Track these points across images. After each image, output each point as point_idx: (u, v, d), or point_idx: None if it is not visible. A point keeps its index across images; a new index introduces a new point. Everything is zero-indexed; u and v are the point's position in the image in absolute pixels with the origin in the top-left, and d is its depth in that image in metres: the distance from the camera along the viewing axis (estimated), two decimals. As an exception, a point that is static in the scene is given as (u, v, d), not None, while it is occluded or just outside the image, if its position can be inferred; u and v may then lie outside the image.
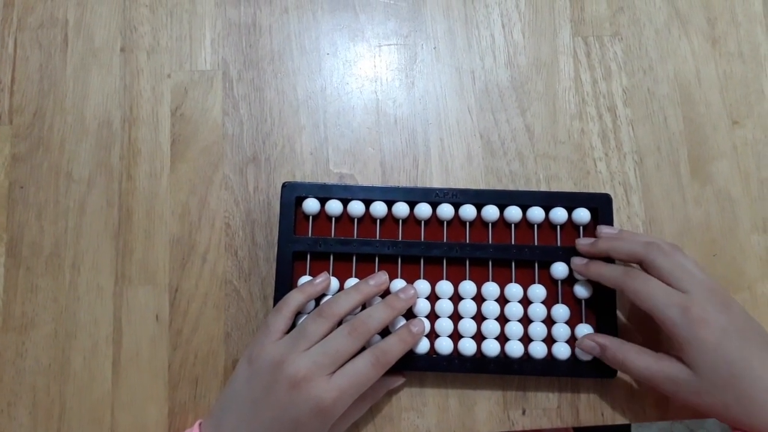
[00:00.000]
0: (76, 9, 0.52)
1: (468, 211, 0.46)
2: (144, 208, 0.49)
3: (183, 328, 0.47)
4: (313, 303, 0.45)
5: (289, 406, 0.37)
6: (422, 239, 0.46)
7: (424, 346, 0.44)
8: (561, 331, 0.45)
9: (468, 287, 0.45)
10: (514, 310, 0.45)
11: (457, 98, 0.51)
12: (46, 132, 0.50)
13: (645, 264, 0.41)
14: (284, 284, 0.45)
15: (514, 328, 0.45)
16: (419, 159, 0.50)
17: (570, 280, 0.46)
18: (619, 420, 0.45)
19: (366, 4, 0.53)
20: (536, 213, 0.46)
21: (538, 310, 0.45)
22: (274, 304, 0.43)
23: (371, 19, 0.53)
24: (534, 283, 0.46)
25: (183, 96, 0.51)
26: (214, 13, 0.52)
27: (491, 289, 0.45)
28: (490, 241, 0.46)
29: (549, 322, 0.45)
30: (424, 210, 0.46)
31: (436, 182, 0.49)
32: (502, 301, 0.46)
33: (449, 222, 0.47)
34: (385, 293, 0.44)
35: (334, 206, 0.46)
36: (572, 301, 0.46)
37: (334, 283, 0.45)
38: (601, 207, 0.46)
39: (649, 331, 0.45)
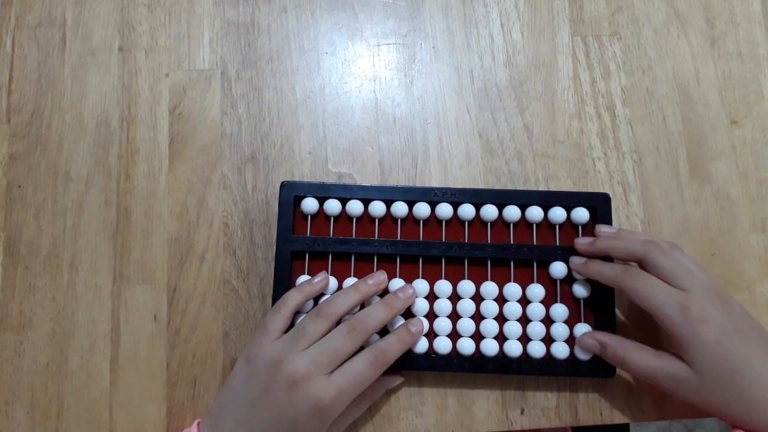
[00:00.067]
0: (74, 8, 0.52)
1: (467, 211, 0.46)
2: (142, 207, 0.48)
3: (181, 327, 0.47)
4: (311, 302, 0.44)
5: (287, 405, 0.37)
6: (421, 239, 0.46)
7: (422, 345, 0.44)
8: (560, 330, 0.45)
9: (467, 287, 0.45)
10: (513, 309, 0.45)
11: (456, 97, 0.51)
12: (44, 131, 0.50)
13: (644, 262, 0.41)
14: (283, 284, 0.45)
15: (513, 328, 0.45)
16: (418, 158, 0.50)
17: (569, 279, 0.46)
18: (618, 419, 0.45)
19: (365, 4, 0.53)
20: (535, 212, 0.46)
21: (536, 310, 0.45)
22: (273, 304, 0.43)
23: (370, 19, 0.52)
24: (533, 282, 0.46)
25: (181, 95, 0.50)
26: (212, 12, 0.52)
27: (490, 288, 0.45)
28: (489, 241, 0.46)
29: (548, 321, 0.45)
30: (422, 209, 0.46)
31: (435, 182, 0.49)
32: (501, 300, 0.46)
33: (448, 221, 0.47)
34: (384, 293, 0.44)
35: (332, 206, 0.46)
36: (571, 301, 0.46)
37: (333, 282, 0.45)
38: (600, 206, 0.46)
39: (648, 330, 0.45)
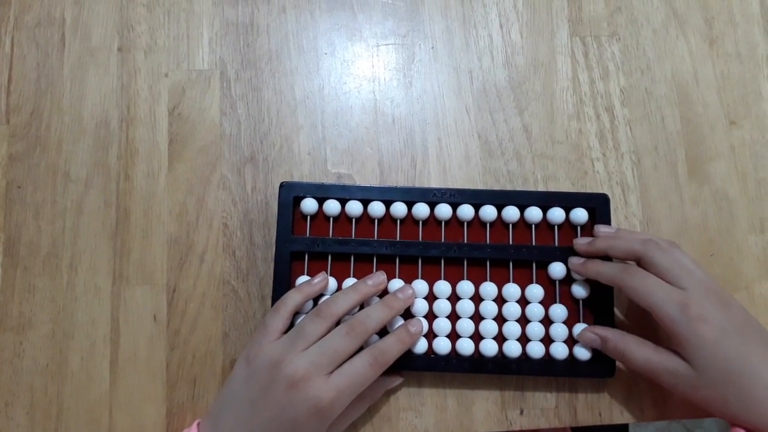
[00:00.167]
0: (73, 8, 0.52)
1: (466, 211, 0.46)
2: (141, 208, 0.48)
3: (181, 328, 0.47)
4: (311, 303, 0.45)
5: (287, 406, 0.37)
6: (420, 239, 0.46)
7: (422, 346, 0.44)
8: (559, 330, 0.45)
9: (466, 287, 0.45)
10: (512, 310, 0.45)
11: (455, 98, 0.51)
12: (44, 131, 0.50)
13: (643, 261, 0.41)
14: (282, 284, 0.45)
15: (512, 328, 0.45)
16: (417, 159, 0.50)
17: (568, 280, 0.46)
18: (617, 420, 0.46)
19: (364, 4, 0.53)
20: (534, 213, 0.46)
21: (535, 310, 0.45)
22: (272, 304, 0.43)
23: (369, 19, 0.52)
24: (532, 283, 0.46)
25: (180, 95, 0.50)
26: (211, 12, 0.52)
27: (489, 289, 0.45)
28: (488, 241, 0.46)
29: (547, 322, 0.45)
30: (422, 210, 0.46)
31: (434, 182, 0.50)
32: (500, 301, 0.46)
33: (447, 222, 0.47)
34: (383, 293, 0.44)
35: (332, 206, 0.46)
36: (570, 301, 0.46)
37: (332, 283, 0.45)
38: (599, 207, 0.46)
39: (647, 330, 0.45)
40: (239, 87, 0.51)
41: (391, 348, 0.40)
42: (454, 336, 0.45)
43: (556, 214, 0.46)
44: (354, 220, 0.47)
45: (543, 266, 0.46)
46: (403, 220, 0.47)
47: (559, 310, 0.45)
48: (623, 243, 0.42)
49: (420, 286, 0.45)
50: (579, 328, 0.44)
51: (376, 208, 0.46)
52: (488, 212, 0.46)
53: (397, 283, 0.45)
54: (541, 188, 0.49)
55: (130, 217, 0.48)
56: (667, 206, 0.49)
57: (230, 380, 0.41)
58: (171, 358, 0.46)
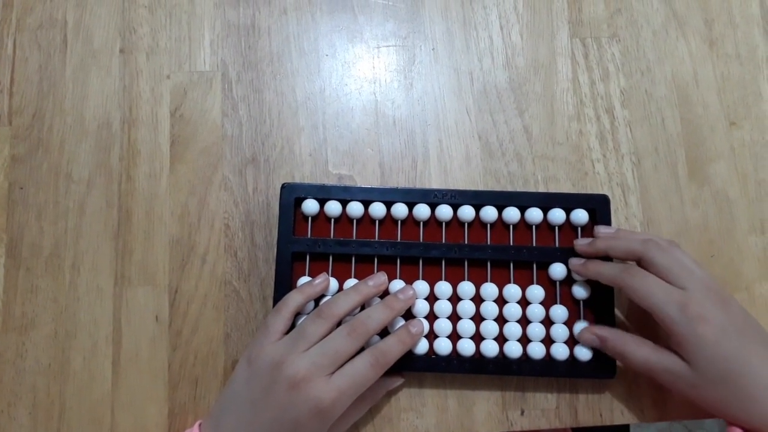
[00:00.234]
0: (75, 10, 0.52)
1: (466, 212, 0.46)
2: (143, 209, 0.49)
3: (183, 328, 0.47)
4: (312, 304, 0.45)
5: (288, 406, 0.38)
6: (421, 240, 0.47)
7: (423, 346, 0.44)
8: (559, 331, 0.45)
9: (467, 288, 0.46)
10: (513, 310, 0.45)
11: (456, 99, 0.51)
12: (46, 133, 0.50)
13: (643, 261, 0.41)
14: (283, 285, 0.45)
15: (513, 329, 0.45)
16: (418, 160, 0.50)
17: (568, 280, 0.46)
18: (618, 420, 0.46)
19: (365, 6, 0.53)
20: (534, 214, 0.46)
21: (536, 311, 0.45)
22: (274, 305, 0.43)
23: (370, 21, 0.53)
24: (532, 283, 0.46)
25: (182, 97, 0.51)
26: (213, 14, 0.52)
27: (490, 289, 0.45)
28: (489, 242, 0.47)
29: (547, 322, 0.45)
30: (422, 211, 0.46)
31: (435, 183, 0.50)
32: (501, 301, 0.46)
33: (448, 223, 0.47)
34: (384, 294, 0.44)
35: (333, 207, 0.46)
36: (570, 302, 0.46)
37: (333, 283, 0.45)
38: (599, 208, 0.46)
39: (648, 330, 0.45)
40: (241, 88, 0.51)
41: (392, 349, 0.41)
42: (454, 337, 0.45)
43: (557, 215, 0.46)
44: (355, 221, 0.47)
45: (544, 267, 0.46)
46: (404, 221, 0.47)
47: (559, 311, 0.45)
48: (623, 243, 0.42)
49: (421, 286, 0.45)
50: (579, 326, 0.44)
51: (377, 209, 0.46)
52: (489, 213, 0.46)
53: (398, 284, 0.45)
54: (541, 189, 0.49)
55: (132, 218, 0.48)
56: (668, 207, 0.49)
57: (232, 381, 0.41)
58: (173, 359, 0.46)
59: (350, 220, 0.47)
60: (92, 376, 0.46)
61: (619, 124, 0.51)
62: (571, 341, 0.45)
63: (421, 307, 0.45)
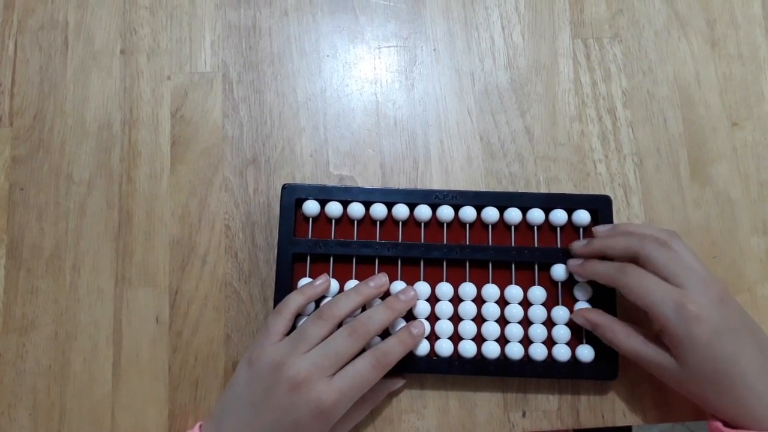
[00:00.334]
0: (76, 11, 0.52)
1: (468, 213, 0.46)
2: (144, 209, 0.49)
3: (183, 330, 0.47)
4: (313, 305, 0.45)
5: (289, 408, 0.37)
6: (422, 241, 0.46)
7: (424, 347, 0.44)
8: (561, 332, 0.45)
9: (468, 289, 0.45)
10: (514, 311, 0.45)
11: (457, 100, 0.51)
12: (47, 134, 0.50)
13: (640, 259, 0.40)
14: (284, 286, 0.45)
15: (514, 330, 0.45)
16: (419, 161, 0.50)
17: (570, 281, 0.46)
18: (620, 422, 0.45)
19: (366, 6, 0.53)
20: (536, 215, 0.46)
21: (538, 312, 0.45)
22: (274, 306, 0.43)
23: (371, 21, 0.53)
24: (534, 284, 0.46)
25: (183, 98, 0.51)
26: (213, 15, 0.52)
27: (491, 290, 0.45)
28: (490, 243, 0.46)
29: (549, 323, 0.45)
30: (424, 212, 0.46)
31: (436, 184, 0.50)
32: (502, 302, 0.46)
33: (449, 224, 0.47)
34: (385, 295, 0.44)
35: (334, 208, 0.46)
36: (572, 303, 0.46)
37: (334, 284, 0.45)
38: (601, 209, 0.46)
39: (649, 330, 0.45)
40: (241, 89, 0.51)
41: (393, 350, 0.40)
42: (456, 338, 0.45)
43: (559, 216, 0.46)
44: (356, 222, 0.47)
45: (545, 268, 0.46)
46: (405, 222, 0.47)
47: (561, 312, 0.45)
48: (620, 242, 0.42)
49: (422, 287, 0.45)
50: (578, 306, 0.45)
51: (378, 210, 0.46)
52: (490, 214, 0.46)
53: (399, 285, 0.45)
54: (543, 190, 0.49)
55: (133, 219, 0.48)
56: (670, 208, 0.49)
57: (232, 382, 0.41)
58: (173, 360, 0.46)
59: (351, 221, 0.47)
60: (92, 377, 0.46)
61: (621, 124, 0.50)
62: (573, 342, 0.45)
63: (423, 308, 0.45)
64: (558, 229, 0.46)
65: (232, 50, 0.52)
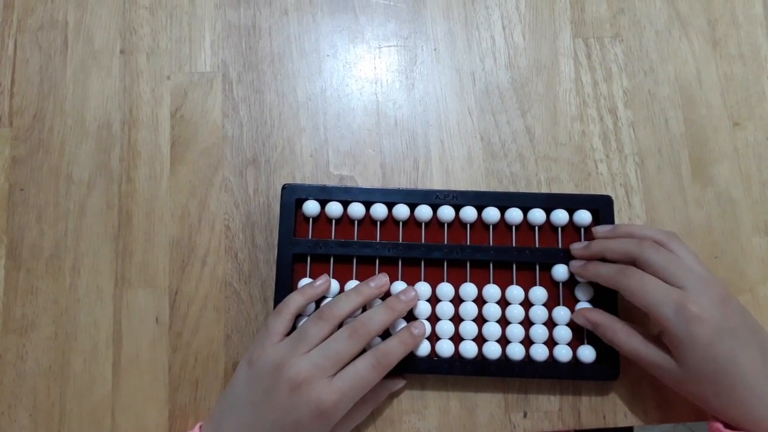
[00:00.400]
0: (75, 11, 0.52)
1: (469, 213, 0.46)
2: (144, 210, 0.49)
3: (183, 330, 0.47)
4: (313, 305, 0.44)
5: (289, 408, 0.37)
6: (423, 241, 0.46)
7: (424, 348, 0.44)
8: (562, 333, 0.44)
9: (469, 289, 0.45)
10: (515, 312, 0.45)
11: (458, 100, 0.51)
12: (46, 134, 0.50)
13: (640, 262, 0.40)
14: (284, 286, 0.45)
15: (516, 331, 0.45)
16: (420, 161, 0.50)
17: (571, 282, 0.46)
18: (621, 422, 0.45)
19: (366, 6, 0.53)
20: (537, 215, 0.46)
21: (539, 313, 0.45)
22: (275, 307, 0.43)
23: (371, 21, 0.52)
24: (535, 285, 0.46)
25: (183, 98, 0.50)
26: (213, 15, 0.52)
27: (492, 291, 0.45)
28: (491, 243, 0.46)
29: (550, 324, 0.45)
30: (424, 212, 0.46)
31: (437, 184, 0.49)
32: (503, 303, 0.46)
33: (450, 224, 0.47)
34: (386, 295, 0.44)
35: (334, 208, 0.46)
36: (573, 303, 0.46)
37: (335, 285, 0.45)
38: (602, 209, 0.46)
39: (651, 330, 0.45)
40: (241, 89, 0.51)
41: (393, 350, 0.40)
42: (457, 338, 0.45)
43: (560, 216, 0.46)
44: (356, 222, 0.47)
45: (546, 268, 0.46)
46: (405, 222, 0.47)
47: (562, 312, 0.45)
48: (619, 245, 0.42)
49: (423, 288, 0.45)
50: (579, 306, 0.45)
51: (379, 210, 0.46)
52: (491, 214, 0.46)
53: (399, 286, 0.45)
54: (544, 190, 0.49)
55: (133, 219, 0.48)
56: (671, 208, 0.49)
57: (232, 383, 0.41)
58: (173, 361, 0.46)
59: (351, 221, 0.47)
60: (92, 378, 0.46)
61: (622, 124, 0.50)
62: (574, 343, 0.45)
63: (423, 308, 0.45)
64: (559, 229, 0.46)
65: (232, 50, 0.51)
